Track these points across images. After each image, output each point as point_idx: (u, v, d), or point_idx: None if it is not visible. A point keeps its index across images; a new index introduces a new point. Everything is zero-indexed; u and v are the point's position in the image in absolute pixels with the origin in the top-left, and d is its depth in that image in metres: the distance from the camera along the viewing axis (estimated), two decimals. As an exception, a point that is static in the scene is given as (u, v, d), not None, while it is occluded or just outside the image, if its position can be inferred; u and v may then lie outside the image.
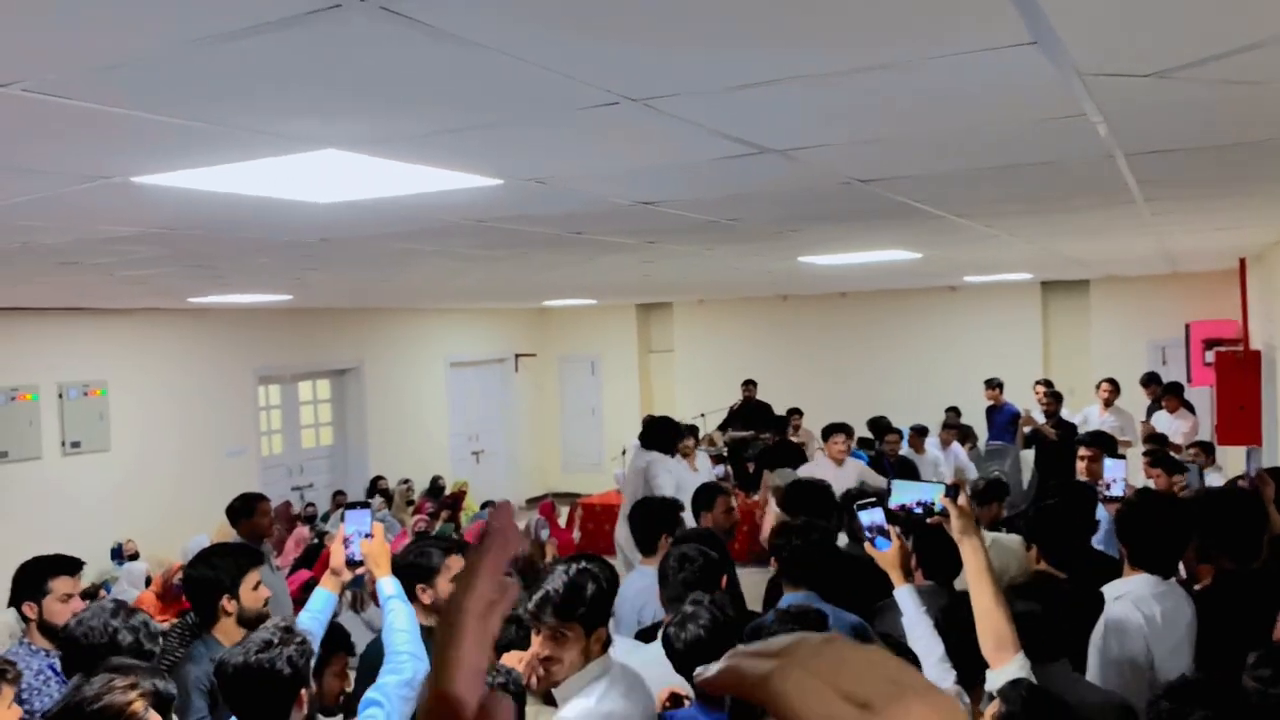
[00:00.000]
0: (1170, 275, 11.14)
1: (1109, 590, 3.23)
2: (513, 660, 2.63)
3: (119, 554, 8.79)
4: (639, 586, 4.14)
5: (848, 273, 8.73)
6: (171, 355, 9.83)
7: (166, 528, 9.12)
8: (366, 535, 2.99)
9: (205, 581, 3.43)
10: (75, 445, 8.88)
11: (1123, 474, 4.74)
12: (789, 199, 3.82)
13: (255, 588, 3.44)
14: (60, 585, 3.59)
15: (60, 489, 8.62)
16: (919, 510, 2.88)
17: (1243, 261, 9.55)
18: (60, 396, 8.79)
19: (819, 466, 7.30)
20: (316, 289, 7.97)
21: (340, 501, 11.08)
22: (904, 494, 2.97)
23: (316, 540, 9.48)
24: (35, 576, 3.60)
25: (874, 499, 3.45)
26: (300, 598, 4.50)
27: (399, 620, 2.82)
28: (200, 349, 10.09)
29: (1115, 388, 9.16)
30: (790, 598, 3.50)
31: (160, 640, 3.17)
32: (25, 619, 3.60)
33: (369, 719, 2.61)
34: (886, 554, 3.14)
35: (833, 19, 1.62)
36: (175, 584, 7.46)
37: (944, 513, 2.80)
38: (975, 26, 1.70)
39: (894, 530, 3.18)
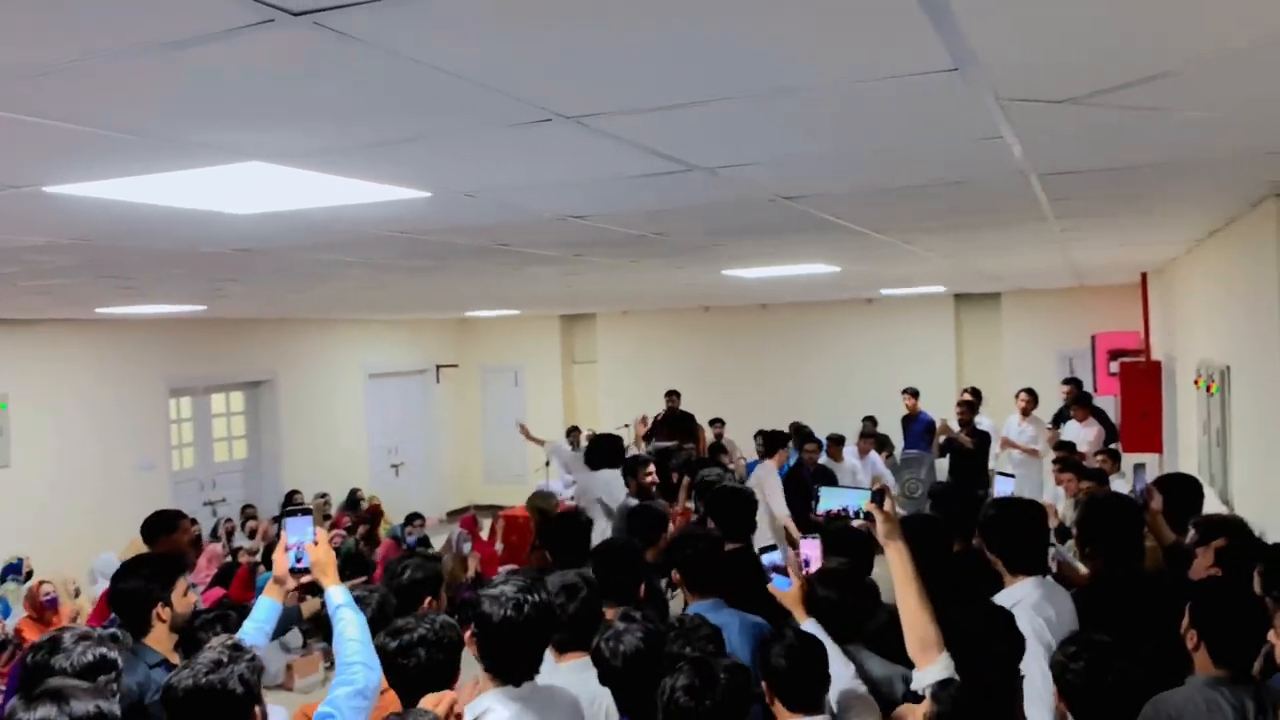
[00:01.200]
0: (1077, 288, 11.56)
1: (1000, 600, 3.28)
2: (429, 703, 2.54)
3: (17, 570, 8.42)
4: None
5: (770, 285, 8.86)
6: (77, 367, 9.47)
7: (72, 545, 8.77)
8: (310, 543, 2.93)
9: (137, 593, 3.37)
10: (-27, 461, 8.51)
11: (1010, 490, 4.77)
12: (715, 214, 3.87)
13: (185, 594, 3.42)
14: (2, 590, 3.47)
15: (-43, 506, 8.25)
16: (848, 515, 2.94)
17: (1144, 276, 9.96)
18: (-44, 410, 8.41)
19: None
20: (232, 300, 7.78)
21: (250, 514, 10.82)
22: (831, 500, 3.03)
23: (230, 558, 9.24)
24: None
25: (773, 545, 3.67)
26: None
27: (349, 630, 2.75)
28: (108, 360, 9.74)
29: (1033, 397, 9.50)
30: (695, 607, 3.54)
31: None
32: None
33: None
34: (789, 593, 3.35)
35: (760, 41, 1.65)
36: (43, 599, 7.29)
37: (870, 518, 2.87)
38: (899, 53, 1.75)
39: (793, 570, 3.40)
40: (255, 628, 2.99)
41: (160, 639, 3.32)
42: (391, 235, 4.04)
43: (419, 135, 2.23)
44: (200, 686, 2.36)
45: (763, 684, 2.75)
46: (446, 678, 2.82)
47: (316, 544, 2.91)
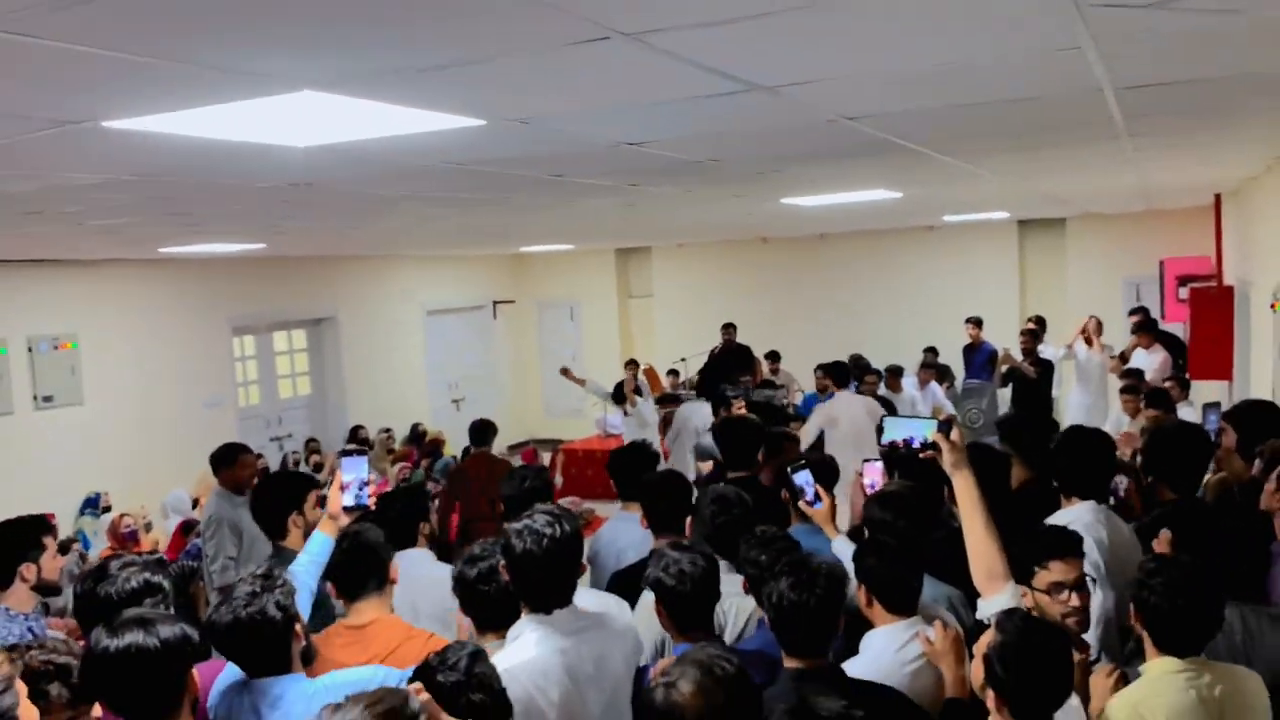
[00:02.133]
0: (1146, 212, 11.19)
1: (1054, 521, 3.34)
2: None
3: (95, 504, 8.74)
4: (618, 530, 4.21)
5: (828, 214, 8.70)
6: (143, 307, 9.68)
7: (142, 480, 9.07)
8: (364, 482, 3.01)
9: (275, 504, 3.96)
10: (47, 399, 8.77)
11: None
12: (774, 138, 3.78)
13: (314, 505, 3.96)
14: (50, 542, 3.60)
15: (32, 444, 8.52)
16: (913, 445, 2.89)
17: (1218, 197, 9.60)
18: (30, 350, 8.65)
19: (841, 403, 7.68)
20: (292, 237, 7.85)
21: (313, 449, 11.05)
22: (896, 430, 2.98)
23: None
24: (29, 536, 3.55)
25: (804, 462, 3.79)
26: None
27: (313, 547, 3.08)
28: (172, 300, 9.94)
29: (1098, 325, 9.39)
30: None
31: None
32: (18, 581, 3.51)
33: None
34: (820, 511, 3.63)
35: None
36: (124, 531, 7.58)
37: (935, 447, 2.82)
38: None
39: (821, 490, 3.65)
40: (309, 560, 3.08)
41: (295, 542, 3.78)
42: (445, 167, 4.01)
43: (471, 58, 2.18)
44: (240, 619, 2.47)
45: (859, 588, 2.83)
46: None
47: (370, 481, 3.09)
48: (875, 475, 3.98)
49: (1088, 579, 2.77)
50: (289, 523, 3.91)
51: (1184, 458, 3.60)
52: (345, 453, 3.12)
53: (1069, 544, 2.80)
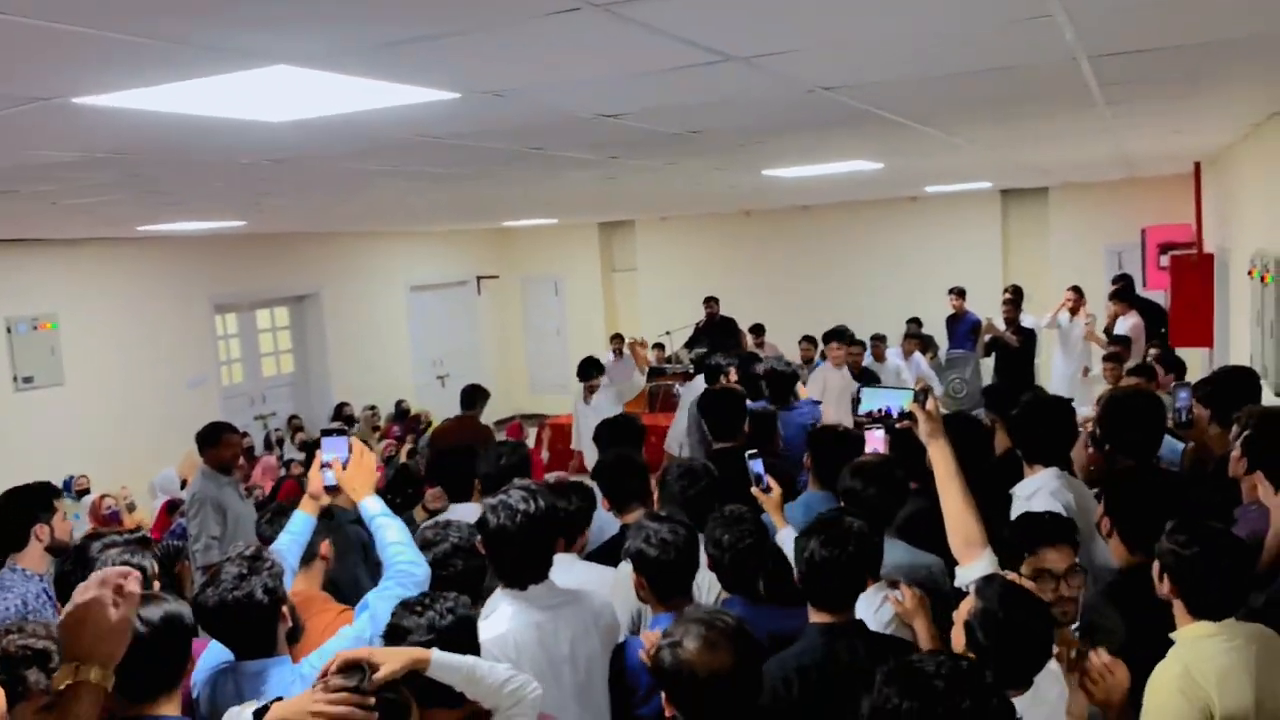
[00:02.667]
0: (1127, 181, 11.22)
1: (1019, 490, 3.43)
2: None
3: (69, 488, 8.70)
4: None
5: (810, 185, 8.69)
6: (123, 286, 9.61)
7: (125, 461, 9.04)
8: (345, 462, 2.99)
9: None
10: (27, 380, 8.71)
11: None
12: (753, 109, 3.77)
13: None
14: (60, 505, 3.77)
15: (13, 425, 8.47)
16: (890, 415, 2.92)
17: (1197, 165, 9.63)
18: (9, 331, 8.58)
19: (821, 374, 7.77)
20: (272, 214, 7.80)
21: (296, 426, 11.04)
22: (873, 400, 3.01)
23: (283, 471, 9.46)
24: (40, 499, 3.71)
25: (757, 450, 3.86)
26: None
27: (390, 534, 2.85)
28: (152, 279, 9.87)
29: (1080, 295, 9.43)
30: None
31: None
32: (31, 541, 3.63)
33: (358, 626, 2.65)
34: (771, 498, 3.71)
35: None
36: (105, 513, 7.58)
37: (912, 417, 2.84)
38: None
39: (769, 479, 3.74)
40: (290, 539, 3.08)
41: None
42: (423, 141, 3.99)
43: (444, 31, 2.17)
44: (227, 602, 2.47)
45: None
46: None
47: (345, 467, 2.98)
48: (877, 444, 4.00)
49: (1078, 567, 2.66)
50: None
51: (1139, 425, 3.59)
52: (326, 432, 3.10)
53: (1062, 530, 2.70)
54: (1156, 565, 2.53)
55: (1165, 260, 9.54)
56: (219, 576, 2.53)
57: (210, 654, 2.64)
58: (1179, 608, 2.50)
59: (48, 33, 1.93)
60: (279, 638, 2.56)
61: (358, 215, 9.23)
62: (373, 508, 2.92)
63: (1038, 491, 3.31)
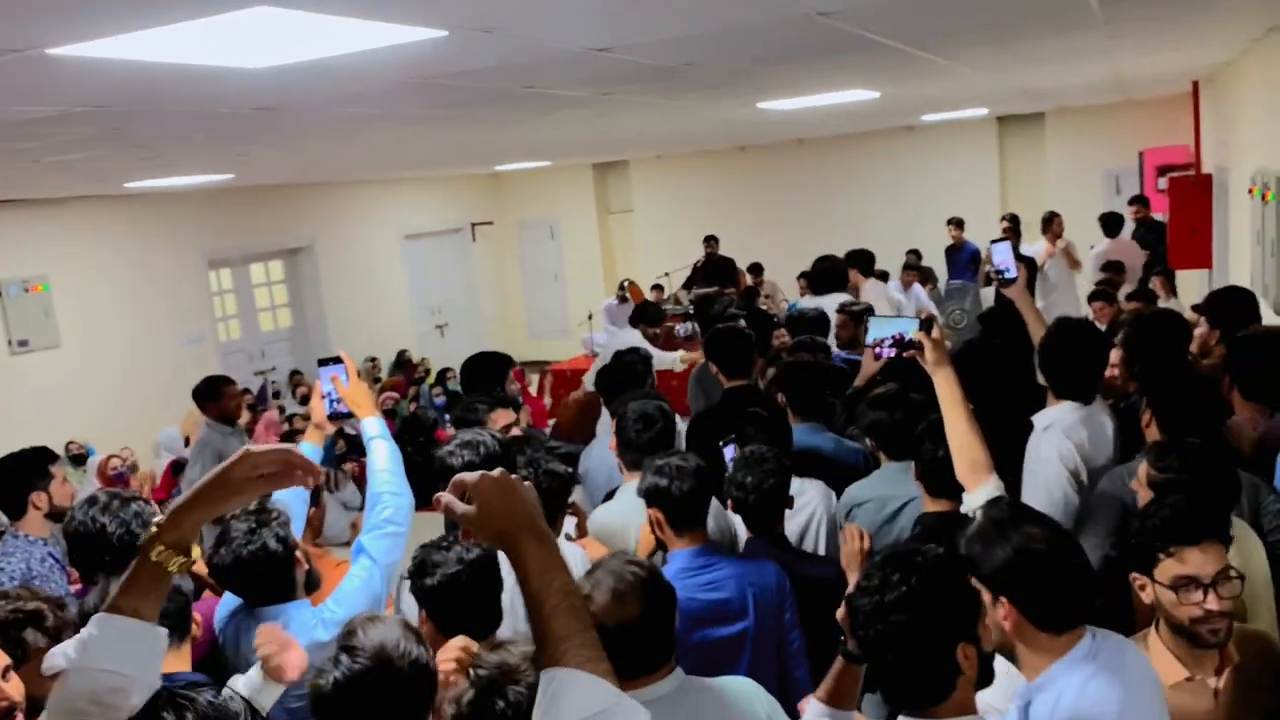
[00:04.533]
0: (1124, 103, 11.08)
1: (1038, 420, 3.37)
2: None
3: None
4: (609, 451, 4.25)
5: (806, 118, 8.57)
6: (114, 244, 9.52)
7: (124, 422, 9.02)
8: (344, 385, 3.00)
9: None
10: (23, 344, 8.67)
11: (1009, 255, 4.44)
12: (746, 37, 3.68)
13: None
14: (59, 470, 3.75)
15: (11, 389, 8.45)
16: (895, 344, 2.91)
17: (1195, 85, 9.49)
18: (0, 294, 8.52)
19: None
20: (259, 166, 7.69)
21: (297, 381, 11.02)
22: (880, 329, 3.00)
23: (286, 426, 9.46)
24: (35, 466, 3.68)
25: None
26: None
27: (379, 460, 2.87)
28: (144, 236, 9.77)
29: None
30: (798, 429, 3.97)
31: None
32: (30, 510, 3.62)
33: (360, 568, 2.68)
34: None
35: None
36: (112, 473, 7.55)
37: (918, 346, 2.84)
38: None
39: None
40: None
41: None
42: (412, 82, 3.90)
43: (427, -38, 2.10)
44: (242, 558, 2.50)
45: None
46: None
47: (348, 386, 3.00)
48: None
49: (1231, 572, 2.12)
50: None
51: (1165, 344, 3.60)
52: (323, 361, 3.08)
53: (1209, 523, 2.16)
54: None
55: (1164, 183, 9.45)
56: (229, 534, 2.54)
57: (225, 601, 2.67)
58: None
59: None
60: (297, 583, 2.59)
61: (347, 164, 9.11)
62: (372, 429, 2.96)
63: (1052, 425, 3.27)
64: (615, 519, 3.42)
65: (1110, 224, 9.31)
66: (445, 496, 1.40)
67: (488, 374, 4.55)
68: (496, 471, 1.42)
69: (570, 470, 3.30)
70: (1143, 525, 2.19)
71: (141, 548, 1.51)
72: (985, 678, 1.79)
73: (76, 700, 1.43)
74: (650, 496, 2.88)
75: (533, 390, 10.88)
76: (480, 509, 1.37)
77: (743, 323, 6.33)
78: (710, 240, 11.44)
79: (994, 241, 4.26)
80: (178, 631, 2.25)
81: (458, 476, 1.40)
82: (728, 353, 4.54)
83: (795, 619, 2.86)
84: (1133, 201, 9.72)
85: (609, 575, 2.11)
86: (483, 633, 2.22)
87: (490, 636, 2.21)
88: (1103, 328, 6.75)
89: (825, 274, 7.11)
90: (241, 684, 2.26)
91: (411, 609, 2.48)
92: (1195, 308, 4.47)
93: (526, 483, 1.44)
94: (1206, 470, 2.54)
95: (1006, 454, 2.92)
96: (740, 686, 2.21)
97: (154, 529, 1.51)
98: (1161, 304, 6.99)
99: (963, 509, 2.75)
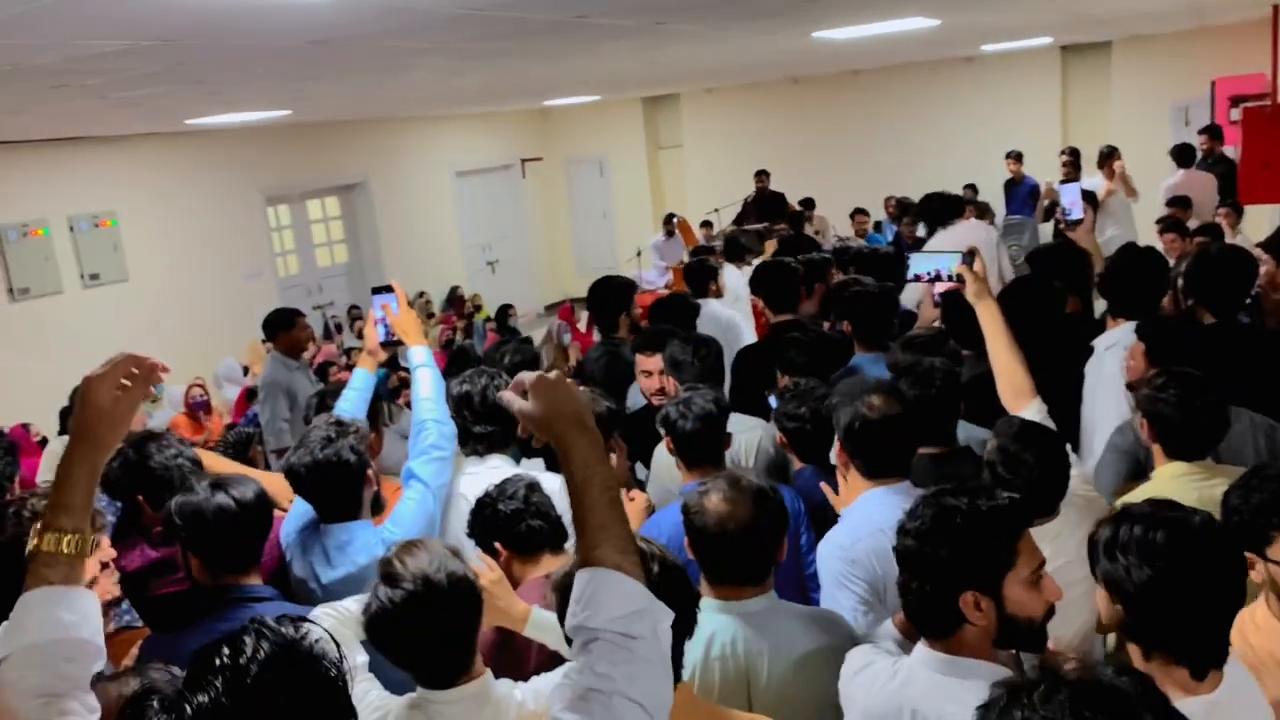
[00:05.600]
0: (1196, 30, 10.66)
1: (1100, 342, 3.48)
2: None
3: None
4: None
5: (861, 48, 8.39)
6: (177, 181, 9.71)
7: (191, 353, 9.25)
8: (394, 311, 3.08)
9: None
10: (94, 277, 8.93)
11: (1078, 196, 4.46)
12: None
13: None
14: None
15: (84, 322, 8.71)
16: (940, 278, 2.93)
17: (1275, 9, 9.10)
18: (71, 230, 8.76)
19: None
20: (316, 101, 7.75)
21: (355, 315, 11.20)
22: (921, 264, 3.02)
23: (344, 357, 9.64)
24: None
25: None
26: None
27: (423, 389, 2.95)
28: (205, 172, 9.94)
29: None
30: (860, 358, 3.94)
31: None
32: None
33: (414, 491, 2.77)
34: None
35: None
36: (193, 401, 7.72)
37: (960, 279, 2.88)
38: None
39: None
40: (355, 396, 3.15)
41: None
42: (464, 14, 3.90)
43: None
44: (319, 461, 2.57)
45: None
46: None
47: (398, 314, 3.08)
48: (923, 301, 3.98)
49: None
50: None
51: (1226, 281, 3.54)
52: (376, 290, 3.16)
53: None
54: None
55: (1236, 113, 9.14)
56: (308, 439, 2.61)
57: (292, 518, 2.76)
58: (1157, 451, 2.65)
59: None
60: (364, 502, 2.67)
61: (400, 99, 9.14)
62: (419, 357, 3.04)
63: (1113, 345, 3.34)
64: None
65: (1183, 155, 9.04)
66: (506, 394, 1.51)
67: (613, 299, 4.71)
68: (553, 372, 1.52)
69: (613, 406, 3.36)
70: (1246, 502, 2.08)
71: (29, 554, 1.54)
72: (1026, 640, 1.81)
73: (31, 679, 1.46)
74: (664, 426, 2.96)
75: (581, 327, 10.94)
76: (537, 404, 1.47)
77: (792, 260, 6.29)
78: (761, 175, 11.32)
79: (1061, 182, 4.20)
80: (258, 552, 2.43)
81: (519, 376, 1.51)
82: (773, 288, 4.54)
83: (812, 541, 2.84)
84: (1203, 131, 9.40)
85: (725, 480, 2.17)
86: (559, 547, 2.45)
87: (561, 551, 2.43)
88: (1171, 261, 6.64)
89: (941, 206, 6.88)
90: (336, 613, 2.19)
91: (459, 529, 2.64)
92: (1261, 244, 4.36)
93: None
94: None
95: (1053, 381, 2.94)
96: (831, 616, 2.25)
97: (35, 528, 1.55)
98: (1227, 239, 6.82)
99: None
